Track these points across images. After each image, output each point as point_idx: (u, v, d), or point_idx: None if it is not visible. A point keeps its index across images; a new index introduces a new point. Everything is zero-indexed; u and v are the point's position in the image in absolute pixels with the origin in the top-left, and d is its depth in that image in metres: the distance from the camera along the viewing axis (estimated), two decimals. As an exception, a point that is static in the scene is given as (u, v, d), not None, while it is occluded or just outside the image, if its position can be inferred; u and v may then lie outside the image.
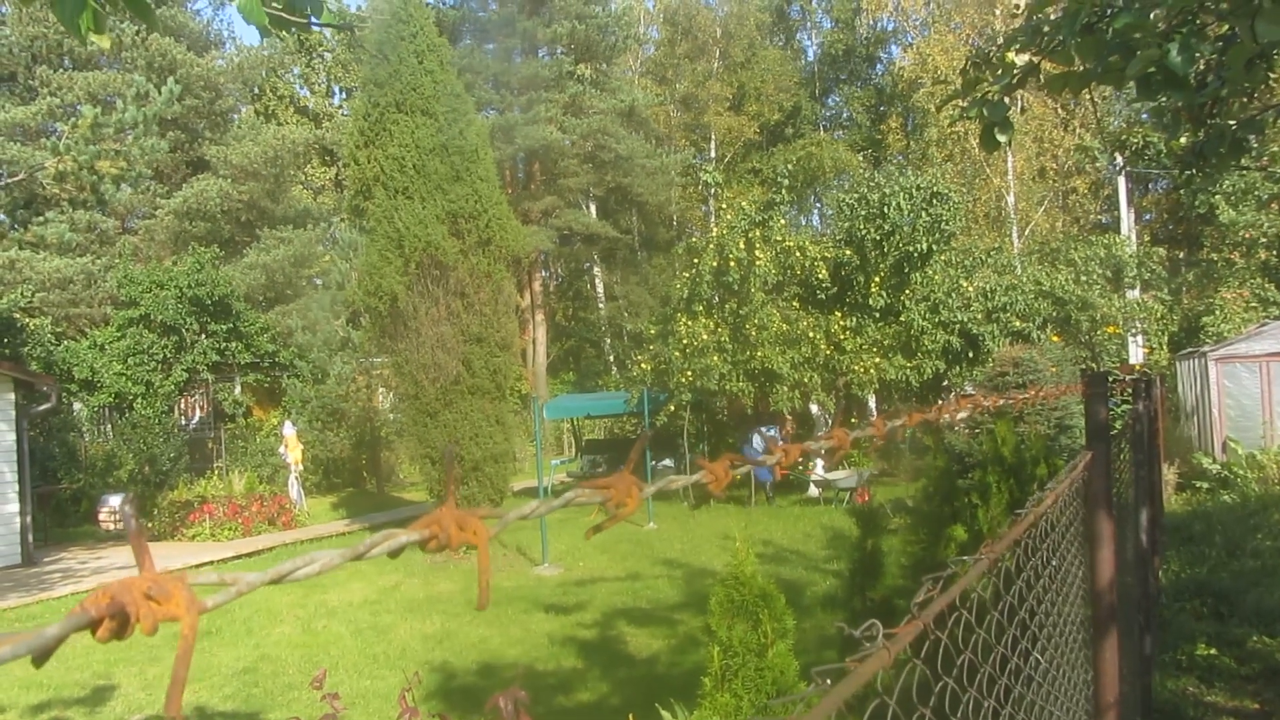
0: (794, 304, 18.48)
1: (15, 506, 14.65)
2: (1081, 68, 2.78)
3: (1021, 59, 3.65)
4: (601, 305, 38.78)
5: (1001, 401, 2.46)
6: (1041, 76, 3.40)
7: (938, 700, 1.09)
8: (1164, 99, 2.54)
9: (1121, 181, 29.26)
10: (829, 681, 0.81)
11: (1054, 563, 2.10)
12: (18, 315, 23.15)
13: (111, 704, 7.67)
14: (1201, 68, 3.10)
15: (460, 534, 0.73)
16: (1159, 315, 24.36)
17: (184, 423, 24.39)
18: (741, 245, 17.68)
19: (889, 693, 0.92)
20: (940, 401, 19.36)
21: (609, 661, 8.19)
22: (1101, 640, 2.56)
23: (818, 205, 42.41)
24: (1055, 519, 2.10)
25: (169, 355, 22.96)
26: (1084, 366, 19.49)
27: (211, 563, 13.84)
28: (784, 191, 19.27)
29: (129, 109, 14.28)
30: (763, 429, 18.05)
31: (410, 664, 7.99)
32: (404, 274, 12.95)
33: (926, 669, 1.06)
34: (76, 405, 22.11)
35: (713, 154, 40.93)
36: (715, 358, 17.29)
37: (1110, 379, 3.11)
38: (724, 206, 20.50)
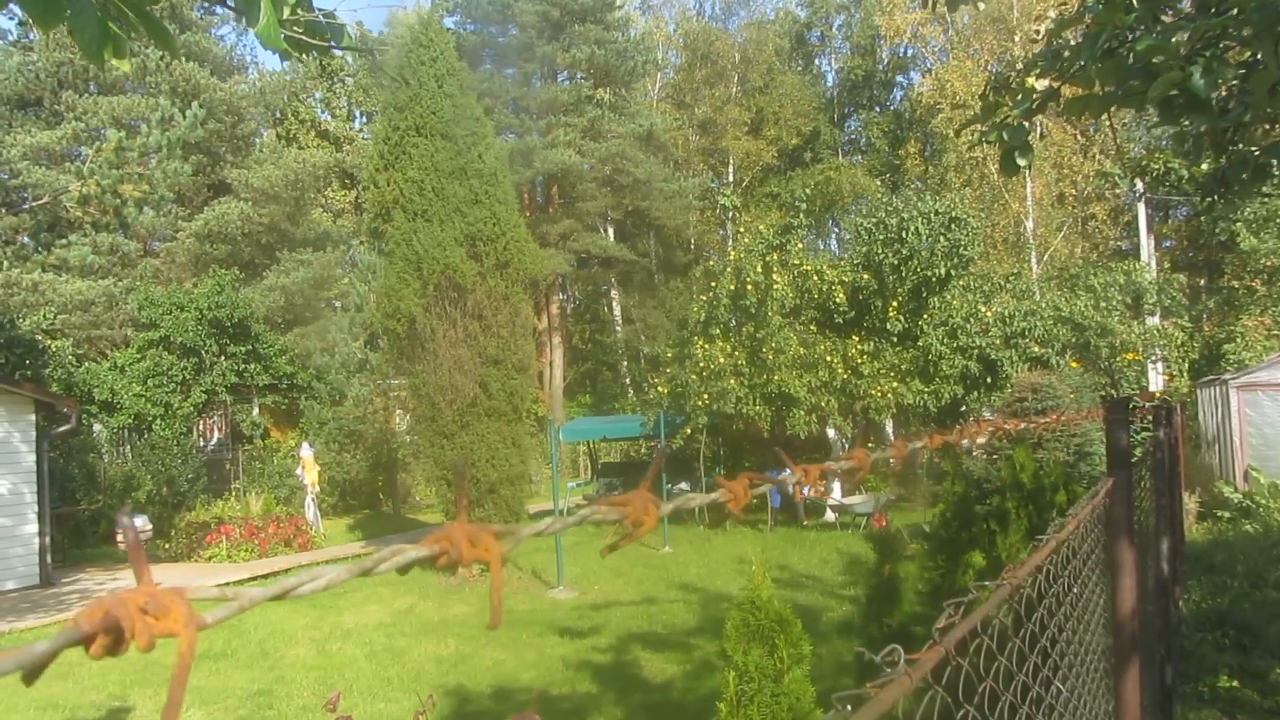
0: (811, 328, 18.45)
1: (34, 527, 14.72)
2: (1102, 92, 2.77)
3: (1041, 84, 3.64)
4: (618, 328, 38.84)
5: (1022, 425, 2.44)
6: (1061, 101, 3.39)
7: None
8: (1186, 123, 2.53)
9: (1141, 208, 29.15)
10: (849, 708, 0.79)
11: (1075, 590, 2.08)
12: (39, 337, 23.35)
13: (126, 725, 7.68)
14: (1223, 93, 3.08)
15: (472, 550, 0.70)
16: (1179, 342, 24.18)
17: (202, 444, 24.51)
18: (759, 269, 17.68)
19: (909, 720, 0.90)
20: (959, 426, 19.22)
21: (624, 686, 8.14)
22: (1123, 670, 2.52)
23: (835, 230, 42.44)
24: (1077, 546, 2.07)
25: (188, 377, 23.10)
26: (1103, 393, 19.37)
27: (227, 584, 13.85)
28: (802, 216, 19.28)
29: (153, 133, 14.43)
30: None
31: (425, 687, 7.96)
32: (422, 296, 13.01)
33: (948, 697, 1.05)
34: (96, 426, 22.25)
35: (731, 178, 41.04)
36: (732, 381, 17.26)
37: (1130, 405, 3.09)
38: (742, 230, 20.53)
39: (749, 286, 17.64)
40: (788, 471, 1.14)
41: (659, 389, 19.21)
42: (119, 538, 17.34)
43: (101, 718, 7.89)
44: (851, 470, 1.18)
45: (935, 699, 0.98)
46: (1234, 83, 2.95)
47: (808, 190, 21.83)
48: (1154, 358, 24.27)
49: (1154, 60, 2.66)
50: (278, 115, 36.73)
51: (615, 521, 0.80)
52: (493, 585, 0.73)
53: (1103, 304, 22.76)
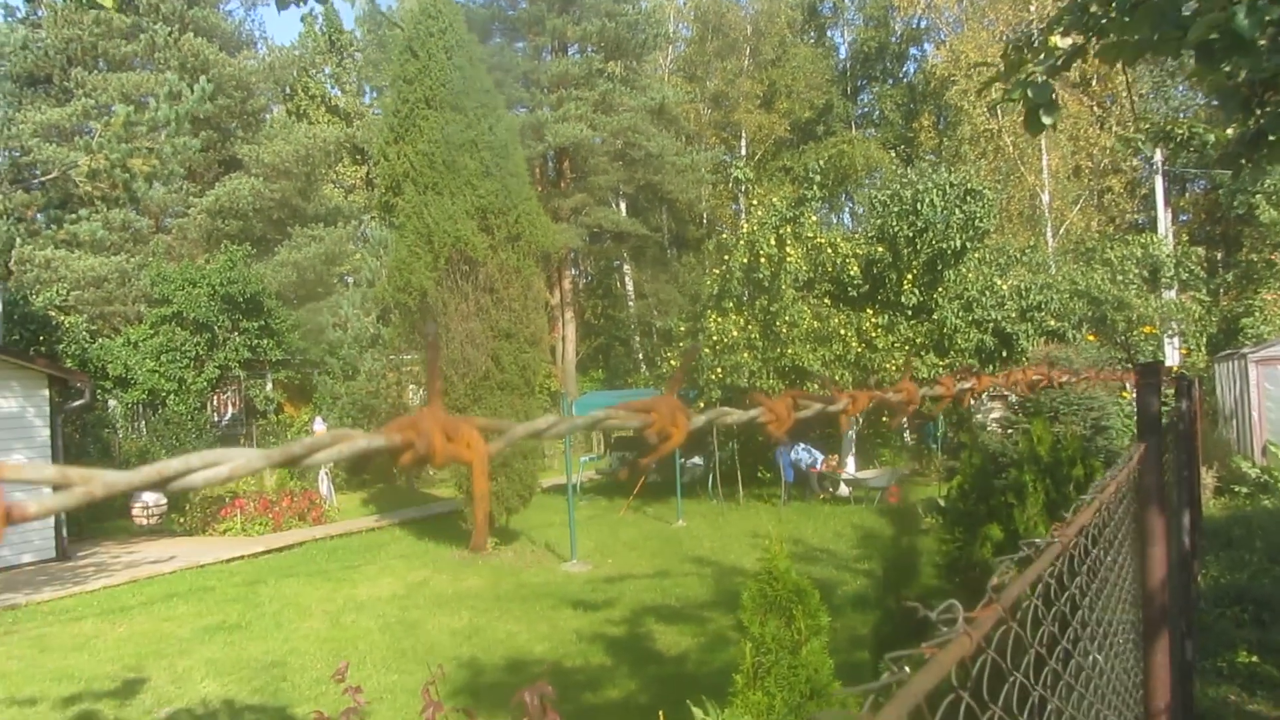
0: (825, 301, 18.32)
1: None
2: (1135, 38, 2.67)
3: (1065, 42, 3.53)
4: (631, 303, 38.72)
5: (1065, 377, 2.36)
6: (1088, 57, 3.28)
7: (1007, 694, 1.01)
8: (1227, 67, 2.42)
9: (1159, 180, 28.85)
10: (906, 669, 0.72)
11: (1109, 558, 2.01)
12: (53, 313, 23.41)
13: (141, 697, 7.69)
14: (1263, 45, 2.96)
15: (448, 446, 0.55)
16: (1197, 316, 24.00)
17: (216, 419, 24.56)
18: (772, 242, 17.54)
19: (960, 685, 0.84)
20: (971, 401, 19.12)
21: (637, 659, 8.12)
22: (1153, 643, 2.45)
23: (849, 204, 42.17)
24: (1111, 512, 2.00)
25: (201, 352, 23.13)
26: (1119, 368, 19.22)
27: (242, 557, 13.91)
28: (815, 189, 19.10)
29: (161, 107, 14.35)
30: (802, 445, 18.13)
31: (438, 659, 7.96)
32: (433, 270, 12.94)
33: (999, 658, 0.98)
34: (111, 402, 22.31)
35: (743, 152, 40.75)
36: (745, 355, 17.17)
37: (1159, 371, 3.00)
38: (755, 203, 20.37)
39: (762, 260, 17.51)
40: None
41: (672, 363, 19.15)
42: (134, 511, 17.41)
43: (117, 688, 7.91)
44: (902, 404, 1.10)
45: (986, 662, 0.92)
46: (1269, 32, 2.84)
47: (821, 163, 21.62)
48: (1171, 332, 24.09)
49: (1184, 14, 2.56)
50: (288, 91, 36.60)
51: (636, 452, 0.70)
52: (477, 493, 0.58)
53: (1119, 277, 22.58)
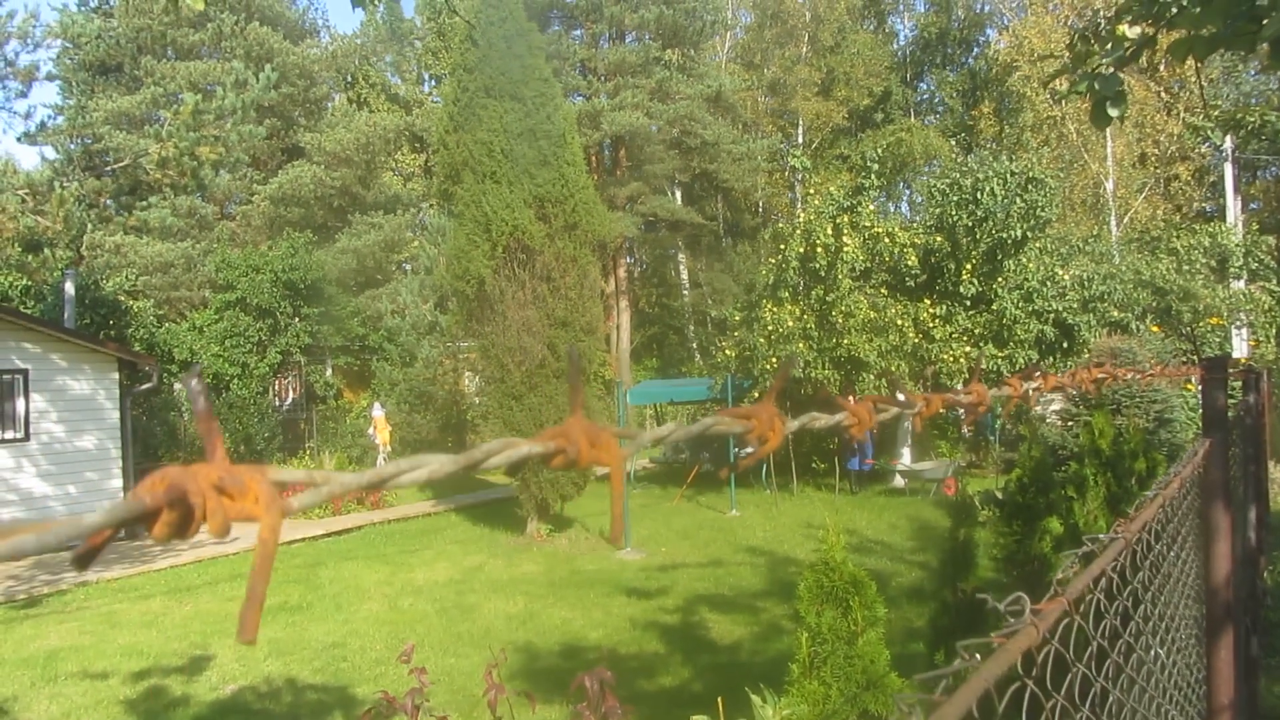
0: (882, 291, 18.16)
1: (119, 482, 15.19)
2: (1207, 33, 2.62)
3: (1134, 32, 3.48)
4: (685, 292, 38.71)
5: (1131, 374, 2.35)
6: (1158, 49, 3.23)
7: (1069, 685, 1.03)
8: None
9: (1228, 168, 28.13)
10: (978, 656, 0.74)
11: (1172, 553, 2.00)
12: (122, 298, 24.01)
13: (207, 673, 7.90)
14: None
15: (591, 451, 0.64)
16: (1267, 307, 23.38)
17: (278, 404, 25.05)
18: (829, 231, 17.43)
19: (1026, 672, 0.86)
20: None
21: (691, 647, 8.17)
22: (1216, 639, 2.43)
23: (907, 192, 41.72)
24: (1175, 507, 1.99)
25: (264, 338, 23.59)
26: (1185, 359, 18.83)
27: (303, 539, 14.19)
28: (873, 177, 18.91)
29: (228, 96, 14.61)
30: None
31: (494, 643, 8.07)
32: (491, 258, 13.05)
33: (1062, 649, 1.00)
34: (177, 385, 22.85)
35: (800, 140, 40.46)
36: (801, 344, 17.10)
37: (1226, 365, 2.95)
38: (811, 192, 20.22)
39: (818, 249, 17.41)
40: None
41: (726, 352, 19.11)
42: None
43: (184, 665, 8.13)
44: (974, 404, 1.12)
45: (1049, 653, 0.94)
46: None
47: (879, 151, 21.40)
48: (1239, 323, 23.51)
49: (1259, 2, 2.51)
50: (349, 79, 37.07)
51: (741, 431, 0.74)
52: (614, 494, 0.66)
53: (1186, 267, 22.09)
